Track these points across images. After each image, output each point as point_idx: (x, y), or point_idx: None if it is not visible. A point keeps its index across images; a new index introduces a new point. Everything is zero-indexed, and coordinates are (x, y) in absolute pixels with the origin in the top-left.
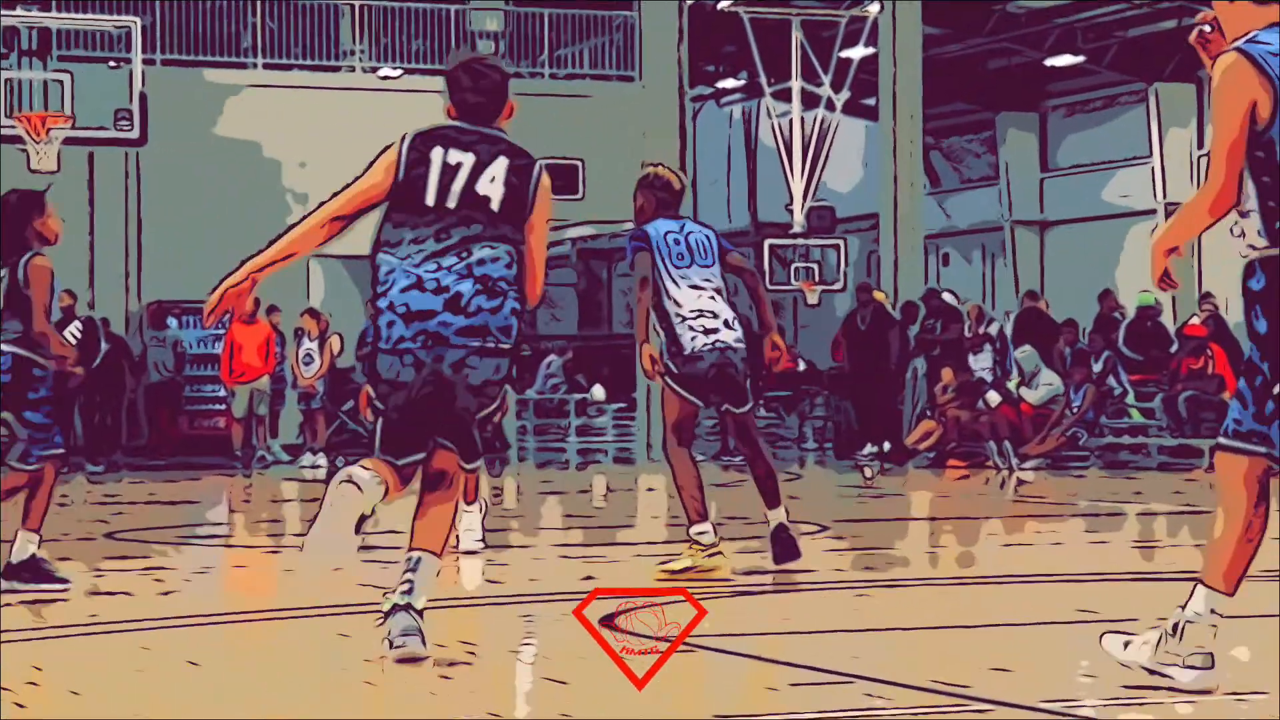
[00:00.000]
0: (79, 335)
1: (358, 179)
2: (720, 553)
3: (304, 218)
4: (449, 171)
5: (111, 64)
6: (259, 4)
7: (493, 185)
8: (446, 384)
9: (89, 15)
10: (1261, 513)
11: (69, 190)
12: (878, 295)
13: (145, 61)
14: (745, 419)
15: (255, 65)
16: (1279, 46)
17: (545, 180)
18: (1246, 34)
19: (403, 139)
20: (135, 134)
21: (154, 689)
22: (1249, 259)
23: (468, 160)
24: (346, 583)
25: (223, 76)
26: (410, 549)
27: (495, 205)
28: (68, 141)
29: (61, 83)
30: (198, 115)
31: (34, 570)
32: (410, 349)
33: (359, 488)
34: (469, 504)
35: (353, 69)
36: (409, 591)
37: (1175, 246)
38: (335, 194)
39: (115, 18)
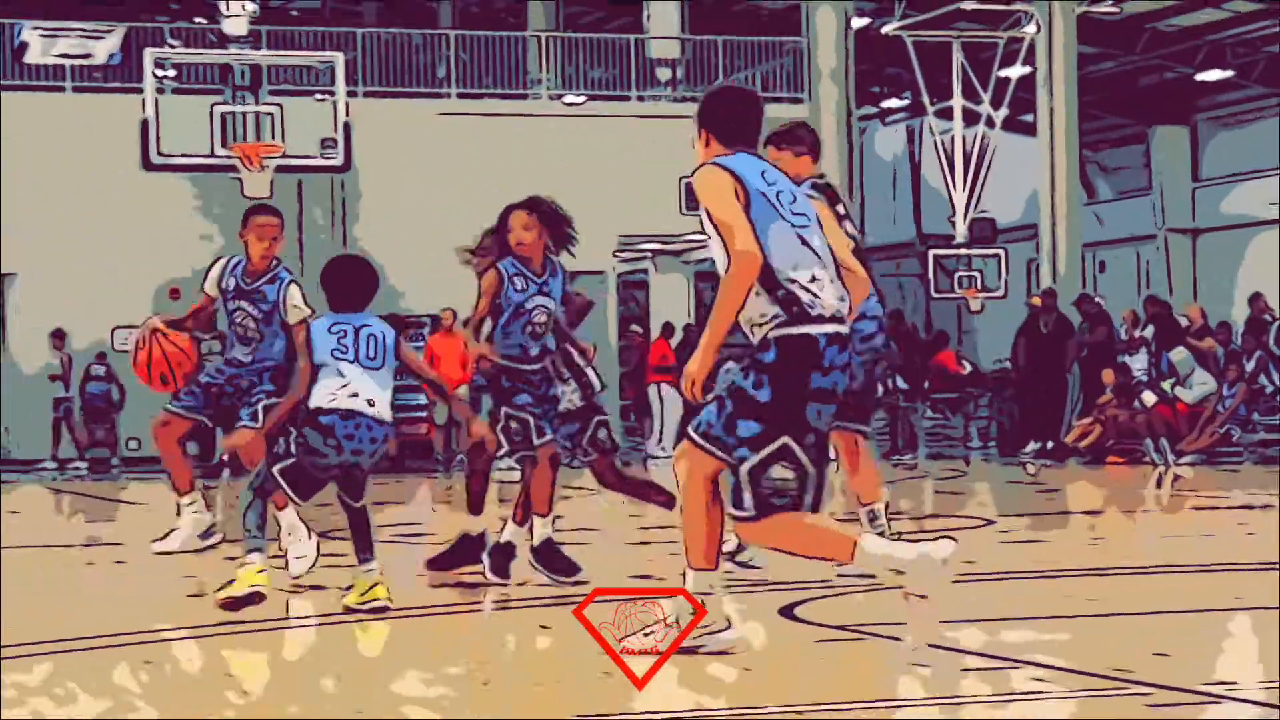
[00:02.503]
0: None
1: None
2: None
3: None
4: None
5: (318, 96)
6: (452, 37)
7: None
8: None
9: (296, 51)
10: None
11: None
12: (1033, 300)
13: (348, 93)
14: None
15: (450, 95)
16: (739, 162)
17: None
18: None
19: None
20: (340, 161)
21: (352, 683)
22: (760, 334)
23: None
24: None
25: (420, 106)
26: (861, 504)
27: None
28: (279, 169)
29: (272, 115)
30: (397, 142)
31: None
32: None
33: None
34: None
35: (539, 96)
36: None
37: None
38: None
39: (320, 54)
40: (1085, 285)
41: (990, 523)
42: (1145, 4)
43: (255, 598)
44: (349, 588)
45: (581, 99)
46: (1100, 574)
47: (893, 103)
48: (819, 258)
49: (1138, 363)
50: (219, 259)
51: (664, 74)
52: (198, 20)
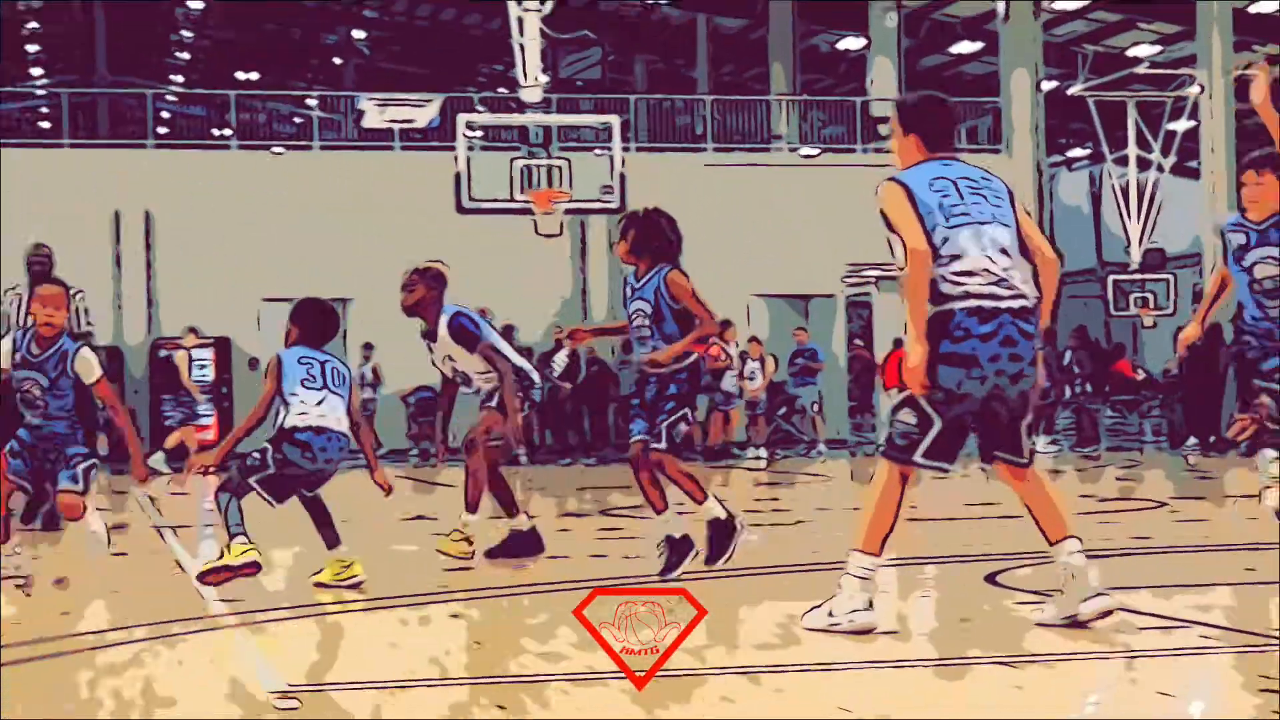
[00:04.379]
0: (567, 360)
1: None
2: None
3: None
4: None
5: (598, 151)
6: (709, 102)
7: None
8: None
9: (580, 115)
10: None
11: (566, 247)
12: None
13: (623, 148)
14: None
15: (707, 149)
16: (912, 176)
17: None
18: (909, 166)
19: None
20: (616, 204)
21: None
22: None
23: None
24: (788, 549)
25: (682, 159)
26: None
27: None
28: (566, 212)
29: (561, 167)
30: (663, 189)
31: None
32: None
33: None
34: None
35: (781, 149)
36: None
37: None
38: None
39: (600, 116)
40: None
41: (1162, 504)
42: None
43: (252, 566)
44: (318, 570)
45: (816, 151)
46: (1255, 548)
47: (1077, 152)
48: (969, 251)
49: None
50: (7, 334)
51: (885, 129)
52: (501, 90)
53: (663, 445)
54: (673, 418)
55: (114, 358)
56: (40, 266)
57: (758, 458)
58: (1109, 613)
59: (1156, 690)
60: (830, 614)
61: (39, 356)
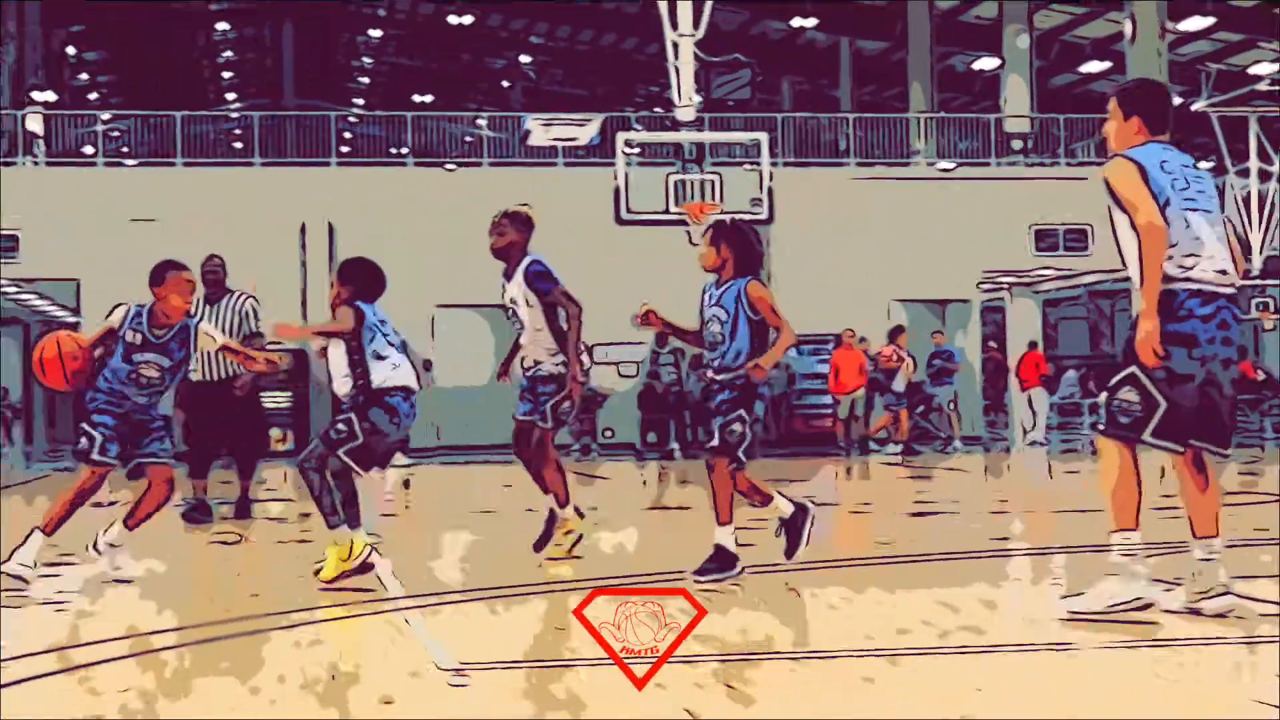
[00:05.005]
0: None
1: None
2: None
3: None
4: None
5: (747, 166)
6: (851, 119)
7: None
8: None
9: (731, 132)
10: None
11: None
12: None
13: (771, 163)
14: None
15: (849, 164)
16: (1142, 153)
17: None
18: (1129, 147)
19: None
20: (765, 216)
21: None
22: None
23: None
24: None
25: (826, 173)
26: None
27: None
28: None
29: (713, 181)
30: (809, 201)
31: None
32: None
33: None
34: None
35: (919, 163)
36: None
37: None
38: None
39: (749, 134)
40: None
41: None
42: None
43: (366, 566)
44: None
45: (952, 165)
46: None
47: (1200, 165)
48: (1197, 235)
49: None
50: (120, 305)
51: (1017, 144)
52: (657, 110)
53: (717, 445)
54: (727, 419)
55: (299, 359)
56: (213, 275)
57: (899, 453)
58: (1230, 611)
59: (1277, 674)
60: (1107, 598)
61: (162, 338)
